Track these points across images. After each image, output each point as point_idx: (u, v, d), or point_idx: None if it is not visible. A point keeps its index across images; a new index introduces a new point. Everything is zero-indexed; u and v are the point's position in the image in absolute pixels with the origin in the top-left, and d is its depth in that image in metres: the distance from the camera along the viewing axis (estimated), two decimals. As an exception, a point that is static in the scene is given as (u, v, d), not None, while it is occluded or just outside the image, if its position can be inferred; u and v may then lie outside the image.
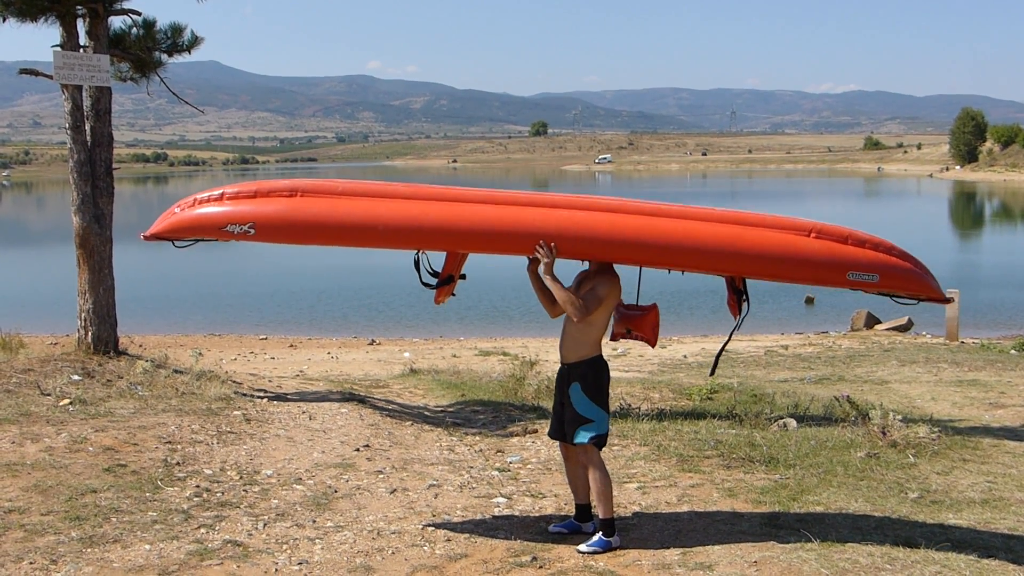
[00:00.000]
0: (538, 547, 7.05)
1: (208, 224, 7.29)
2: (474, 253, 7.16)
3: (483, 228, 6.83)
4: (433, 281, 7.54)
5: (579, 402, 6.98)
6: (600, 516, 7.07)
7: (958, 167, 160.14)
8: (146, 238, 7.75)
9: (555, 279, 6.79)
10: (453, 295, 7.60)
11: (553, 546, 7.09)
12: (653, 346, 7.39)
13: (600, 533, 7.05)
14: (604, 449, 9.95)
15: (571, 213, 6.87)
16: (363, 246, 7.18)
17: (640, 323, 7.18)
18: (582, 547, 7.00)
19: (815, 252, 6.71)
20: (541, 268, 6.78)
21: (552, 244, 6.70)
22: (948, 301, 7.22)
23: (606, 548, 6.95)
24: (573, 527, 7.38)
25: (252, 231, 7.09)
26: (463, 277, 7.56)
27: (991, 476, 9.16)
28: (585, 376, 6.98)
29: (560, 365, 7.19)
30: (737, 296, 7.17)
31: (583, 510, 7.37)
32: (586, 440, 6.97)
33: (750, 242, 6.75)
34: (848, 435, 10.30)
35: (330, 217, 7.03)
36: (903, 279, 6.82)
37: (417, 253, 7.34)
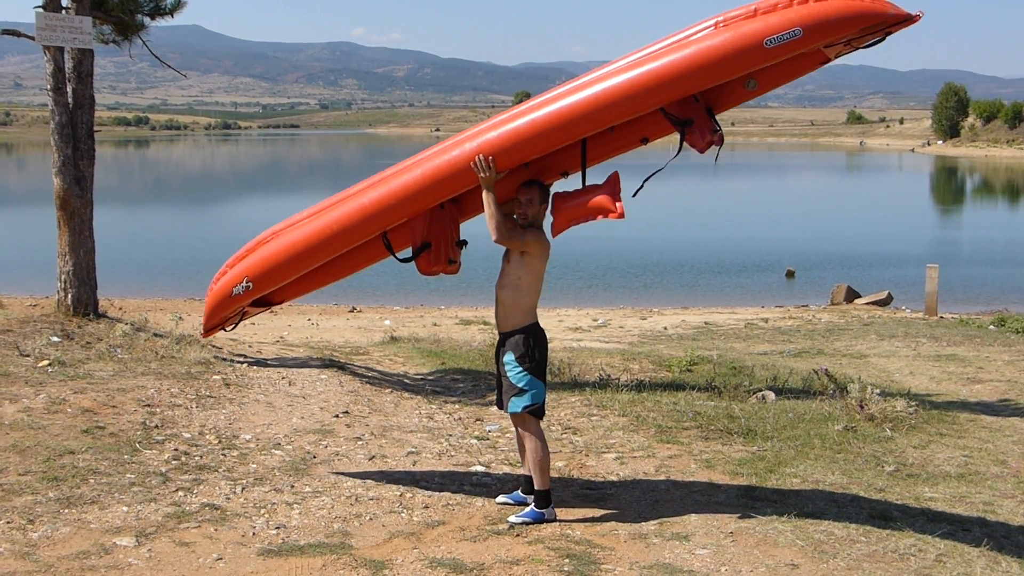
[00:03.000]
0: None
1: (222, 299, 7.91)
2: (427, 207, 7.14)
3: (422, 182, 7.00)
4: (408, 254, 7.44)
5: (512, 371, 6.93)
6: (535, 487, 7.00)
7: (940, 142, 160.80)
8: (204, 335, 9.00)
9: (492, 196, 6.77)
10: (453, 262, 7.32)
11: (531, 514, 7.09)
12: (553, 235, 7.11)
13: (532, 504, 7.00)
14: (583, 418, 10.00)
15: (493, 130, 6.92)
16: (333, 254, 7.40)
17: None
18: (512, 518, 6.95)
19: (727, 43, 6.39)
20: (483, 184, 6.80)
21: (490, 158, 6.71)
22: (914, 19, 6.53)
23: (538, 520, 6.91)
24: (519, 499, 7.31)
25: (251, 285, 7.58)
26: (464, 243, 7.41)
27: (967, 450, 9.23)
28: (517, 345, 6.92)
29: (498, 335, 7.18)
30: (680, 126, 6.87)
31: (532, 482, 7.21)
32: (519, 409, 6.91)
33: (678, 66, 6.49)
34: (826, 408, 10.36)
35: (296, 243, 7.41)
36: (834, 20, 6.36)
37: (383, 235, 7.36)
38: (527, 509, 6.99)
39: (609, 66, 6.97)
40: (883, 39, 6.77)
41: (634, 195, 7.17)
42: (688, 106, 6.82)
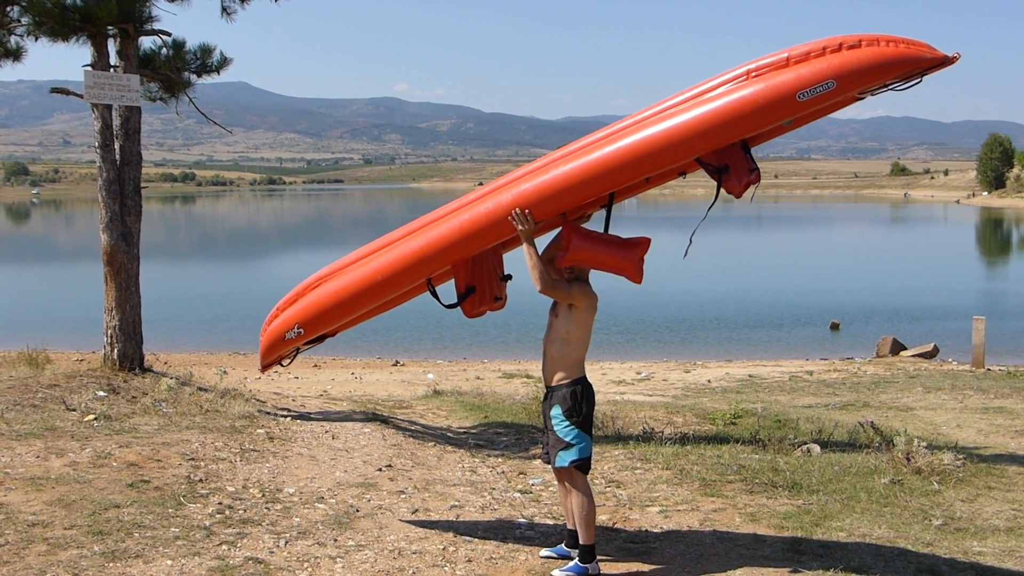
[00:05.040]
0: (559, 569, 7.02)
1: (275, 342, 8.03)
2: (468, 256, 7.12)
3: (460, 233, 6.95)
4: (452, 299, 7.44)
5: (559, 425, 6.87)
6: (580, 541, 6.94)
7: (985, 193, 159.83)
8: (262, 371, 8.91)
9: (531, 247, 6.74)
10: (499, 299, 7.22)
11: (574, 568, 7.05)
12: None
13: (577, 559, 6.95)
14: (627, 472, 9.95)
15: (527, 181, 6.87)
16: (380, 300, 7.50)
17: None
18: (556, 572, 6.90)
19: (758, 96, 6.25)
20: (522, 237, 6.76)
21: (527, 211, 6.66)
22: (951, 60, 6.36)
23: (582, 574, 6.85)
24: (563, 553, 7.27)
25: (302, 331, 7.72)
26: (509, 277, 7.38)
27: (1016, 504, 9.11)
28: (565, 399, 6.87)
29: (545, 388, 7.15)
30: (716, 173, 6.72)
31: (575, 536, 7.15)
32: (566, 464, 6.85)
33: (711, 119, 6.37)
34: (872, 461, 10.26)
35: (342, 291, 7.46)
36: (867, 69, 6.21)
37: (428, 281, 7.38)
38: (571, 563, 6.94)
39: (640, 115, 6.91)
40: (920, 80, 6.60)
41: (685, 256, 7.17)
42: (722, 151, 6.68)
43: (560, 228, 7.08)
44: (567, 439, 6.83)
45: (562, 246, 6.87)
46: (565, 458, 6.84)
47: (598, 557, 7.00)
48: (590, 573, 6.87)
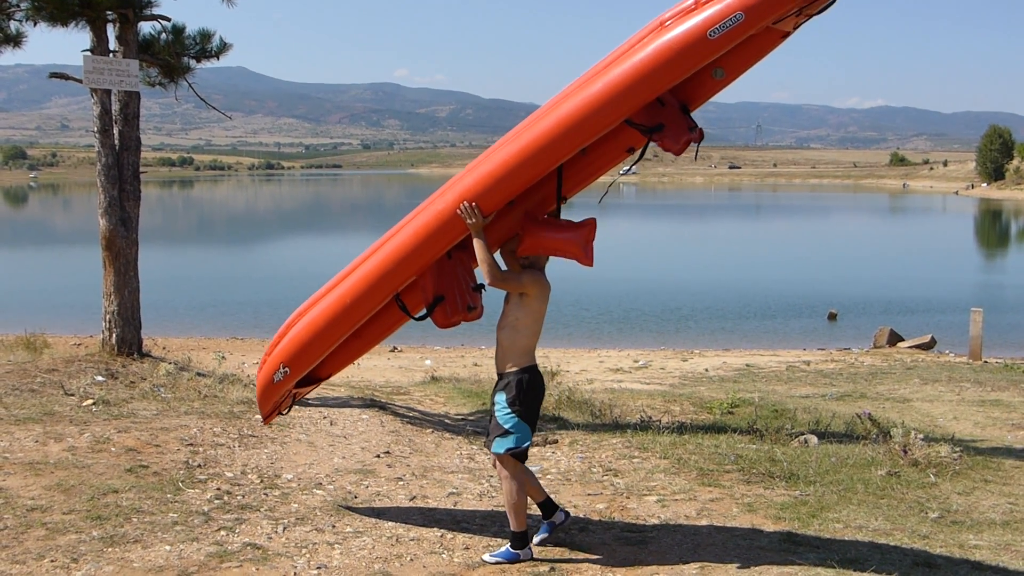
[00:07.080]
0: (556, 556, 7.04)
1: (266, 387, 7.78)
2: (430, 262, 7.04)
3: (416, 240, 6.87)
4: (422, 312, 7.35)
5: (501, 412, 6.86)
6: (511, 528, 6.97)
7: (984, 184, 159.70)
8: (264, 423, 8.48)
9: (482, 241, 6.66)
10: (473, 308, 7.02)
11: (571, 555, 7.07)
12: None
13: (508, 545, 6.98)
14: (624, 460, 9.96)
15: (468, 175, 6.79)
16: (354, 325, 7.34)
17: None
18: (487, 556, 6.96)
19: (671, 43, 6.11)
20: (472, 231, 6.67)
21: (473, 204, 6.57)
22: None
23: (512, 560, 6.89)
24: (549, 527, 7.33)
25: (288, 370, 7.54)
26: (483, 287, 7.30)
27: (1013, 497, 9.11)
28: (510, 387, 6.85)
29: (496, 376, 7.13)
30: (648, 133, 6.62)
31: (545, 506, 7.27)
32: (501, 451, 6.84)
33: (628, 76, 6.26)
34: (869, 453, 10.26)
35: (317, 321, 7.34)
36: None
37: (396, 296, 7.32)
38: (503, 549, 6.98)
39: (568, 88, 6.79)
40: (833, 2, 6.39)
41: (599, 202, 7.08)
42: (655, 111, 6.60)
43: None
44: (506, 426, 6.82)
45: (520, 236, 6.88)
46: (501, 444, 6.83)
47: (592, 550, 7.02)
48: (521, 558, 6.90)
